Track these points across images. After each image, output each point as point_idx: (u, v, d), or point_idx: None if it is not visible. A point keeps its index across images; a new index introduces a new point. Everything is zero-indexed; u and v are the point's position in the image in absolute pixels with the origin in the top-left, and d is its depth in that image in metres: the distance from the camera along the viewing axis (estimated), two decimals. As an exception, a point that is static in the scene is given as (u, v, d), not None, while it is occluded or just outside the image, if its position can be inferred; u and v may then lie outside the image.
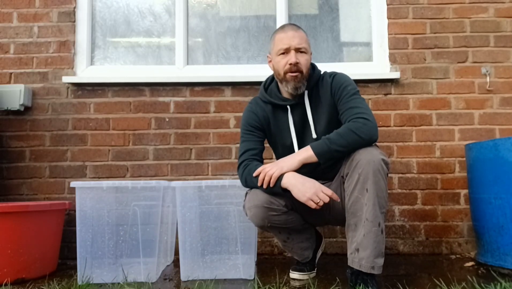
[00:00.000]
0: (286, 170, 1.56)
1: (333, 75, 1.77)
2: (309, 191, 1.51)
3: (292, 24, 1.75)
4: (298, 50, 1.67)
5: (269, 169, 1.57)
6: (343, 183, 1.61)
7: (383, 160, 1.49)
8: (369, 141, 1.55)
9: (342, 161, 1.61)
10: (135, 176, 2.48)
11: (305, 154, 1.57)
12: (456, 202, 2.42)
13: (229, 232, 1.86)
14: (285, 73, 1.68)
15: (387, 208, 1.55)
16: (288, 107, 1.75)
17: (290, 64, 1.65)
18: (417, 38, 2.52)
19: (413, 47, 2.52)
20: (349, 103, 1.65)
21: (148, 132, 2.50)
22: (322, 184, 1.78)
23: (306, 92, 1.74)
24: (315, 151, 1.55)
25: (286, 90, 1.74)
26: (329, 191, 1.52)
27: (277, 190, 1.57)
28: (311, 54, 1.75)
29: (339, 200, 1.59)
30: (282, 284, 1.66)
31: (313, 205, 1.50)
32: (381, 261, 1.50)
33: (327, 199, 1.51)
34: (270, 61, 1.78)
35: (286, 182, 1.55)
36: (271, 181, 1.55)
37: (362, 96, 2.47)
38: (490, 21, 2.51)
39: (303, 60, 1.67)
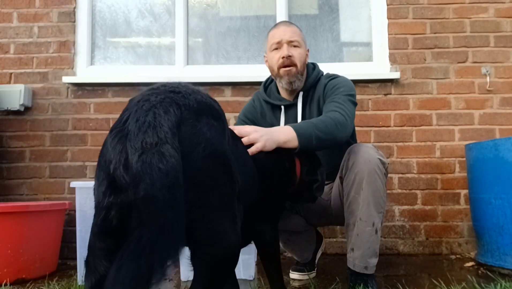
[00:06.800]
0: (268, 148, 1.30)
1: (332, 77, 1.70)
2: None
3: (285, 21, 1.72)
4: (290, 44, 1.63)
5: (255, 139, 1.28)
6: (342, 183, 1.60)
7: (380, 160, 1.47)
8: (340, 139, 1.47)
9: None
10: (135, 176, 2.47)
11: (289, 135, 1.36)
12: (456, 202, 2.41)
13: (229, 232, 1.85)
14: (279, 68, 1.64)
15: (385, 207, 1.54)
16: (282, 107, 1.73)
17: (283, 57, 1.61)
18: (417, 38, 2.52)
19: (413, 47, 2.51)
20: (337, 99, 1.57)
21: (148, 132, 2.50)
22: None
23: (301, 93, 1.71)
24: (299, 133, 1.37)
25: (281, 86, 1.71)
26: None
27: None
28: (307, 50, 1.72)
29: None
30: (282, 284, 1.66)
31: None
32: (374, 261, 1.50)
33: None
34: (267, 61, 1.75)
35: None
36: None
37: (361, 96, 2.47)
38: (490, 21, 2.51)
39: (296, 53, 1.63)
